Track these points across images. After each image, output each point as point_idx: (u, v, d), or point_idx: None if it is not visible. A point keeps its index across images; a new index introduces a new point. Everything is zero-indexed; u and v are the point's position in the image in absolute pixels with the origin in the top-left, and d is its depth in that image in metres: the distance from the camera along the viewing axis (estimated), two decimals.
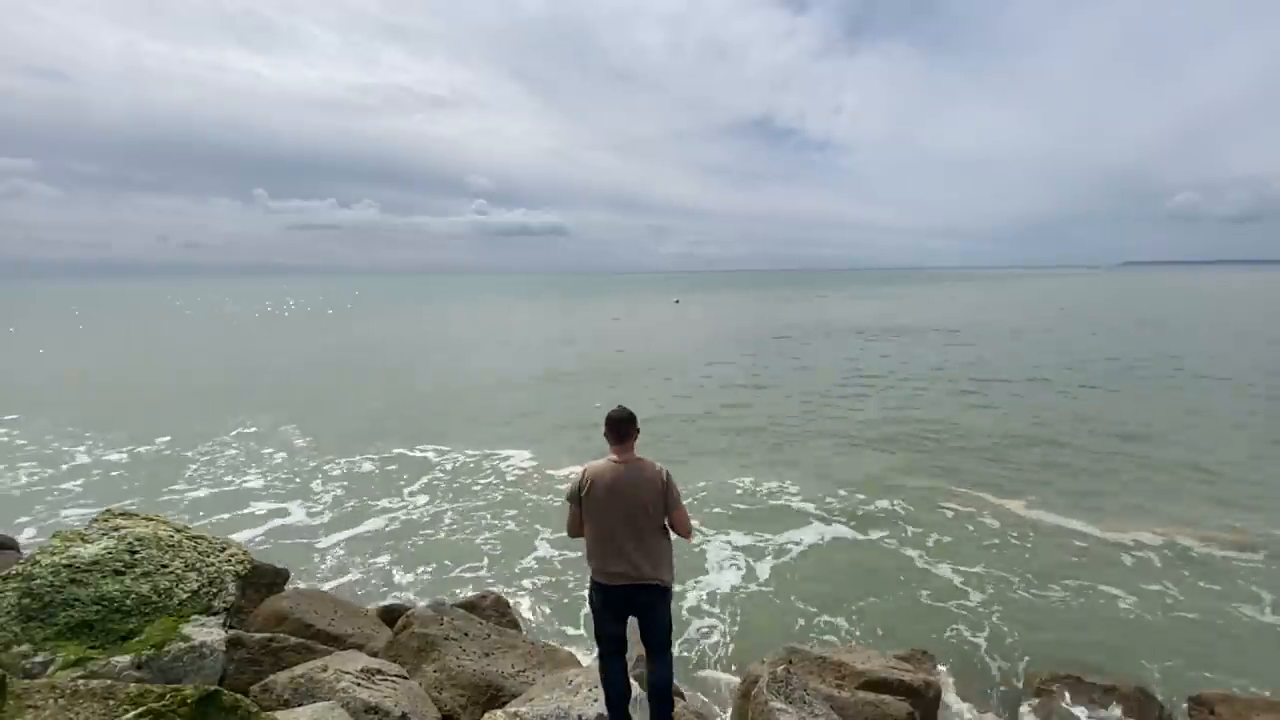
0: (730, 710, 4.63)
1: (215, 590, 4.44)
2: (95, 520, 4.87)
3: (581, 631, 6.89)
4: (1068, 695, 5.09)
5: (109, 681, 3.05)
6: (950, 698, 5.57)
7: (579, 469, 3.67)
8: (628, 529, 3.49)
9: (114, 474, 12.26)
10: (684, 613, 7.03)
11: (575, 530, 3.70)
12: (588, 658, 6.26)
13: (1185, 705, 5.22)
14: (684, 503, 3.68)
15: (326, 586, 7.71)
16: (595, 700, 4.01)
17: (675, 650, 6.32)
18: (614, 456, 3.61)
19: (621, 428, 3.61)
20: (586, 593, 3.76)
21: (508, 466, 12.68)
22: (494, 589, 7.36)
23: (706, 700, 5.51)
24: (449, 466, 12.65)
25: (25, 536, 8.87)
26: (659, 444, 13.78)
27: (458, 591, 7.64)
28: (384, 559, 8.61)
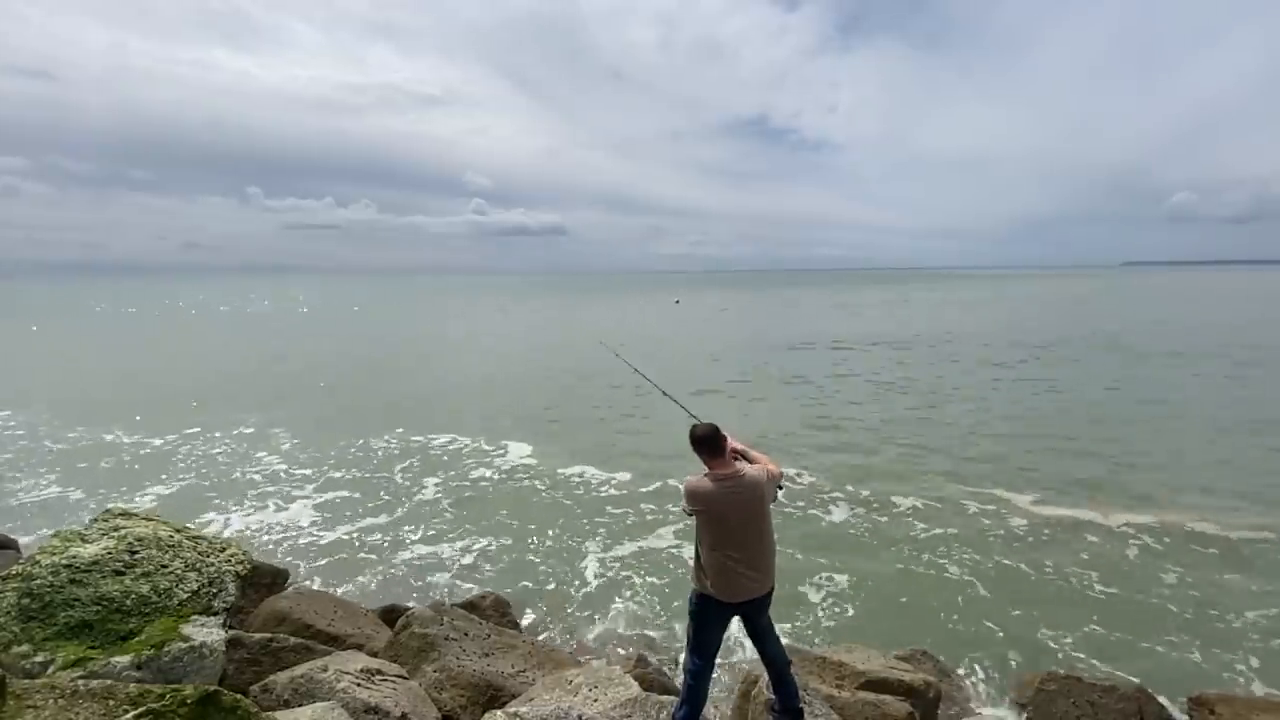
0: (730, 710, 4.63)
1: (215, 590, 4.44)
2: (95, 520, 4.87)
3: (585, 631, 6.90)
4: (1068, 695, 5.09)
5: (109, 681, 3.05)
6: (950, 698, 5.57)
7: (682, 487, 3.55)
8: (742, 547, 3.49)
9: (111, 473, 12.25)
10: (682, 613, 7.04)
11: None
12: (589, 658, 6.27)
13: (1185, 705, 5.22)
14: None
15: (326, 586, 7.72)
16: (595, 700, 4.01)
17: (677, 651, 6.33)
18: (714, 472, 3.52)
19: (712, 442, 3.54)
20: (691, 610, 3.69)
21: (511, 463, 12.69)
22: (494, 589, 7.37)
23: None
24: (449, 464, 12.65)
25: (25, 536, 8.87)
26: (652, 436, 13.79)
27: (458, 591, 7.64)
28: (384, 558, 8.61)
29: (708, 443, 3.56)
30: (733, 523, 3.45)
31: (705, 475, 3.54)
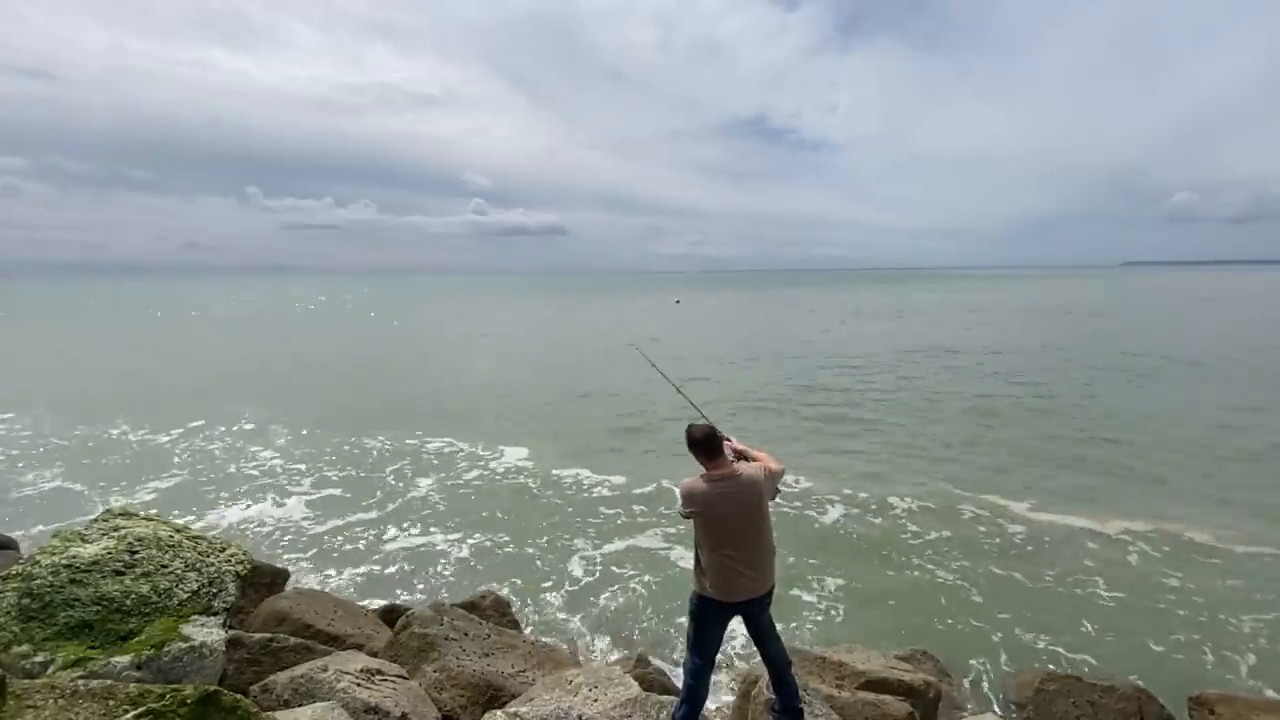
0: (730, 710, 4.63)
1: (215, 590, 4.44)
2: (95, 520, 4.87)
3: (585, 631, 6.90)
4: (1068, 695, 5.09)
5: (109, 681, 3.05)
6: (950, 698, 5.57)
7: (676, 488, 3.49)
8: (740, 547, 3.48)
9: (112, 473, 12.24)
10: (682, 613, 7.05)
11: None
12: (589, 658, 6.27)
13: (1185, 705, 5.22)
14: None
15: (326, 587, 7.72)
16: (595, 700, 4.01)
17: (676, 651, 6.34)
18: (710, 473, 3.51)
19: (708, 444, 3.52)
20: (691, 610, 3.67)
21: (509, 464, 12.69)
22: (494, 589, 7.37)
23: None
24: (449, 465, 12.65)
25: (25, 536, 8.87)
26: (651, 436, 13.80)
27: (458, 591, 7.64)
28: (384, 558, 8.61)
29: (704, 444, 3.55)
30: (731, 523, 3.44)
31: (701, 476, 3.53)
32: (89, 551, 4.32)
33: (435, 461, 12.98)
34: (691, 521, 3.55)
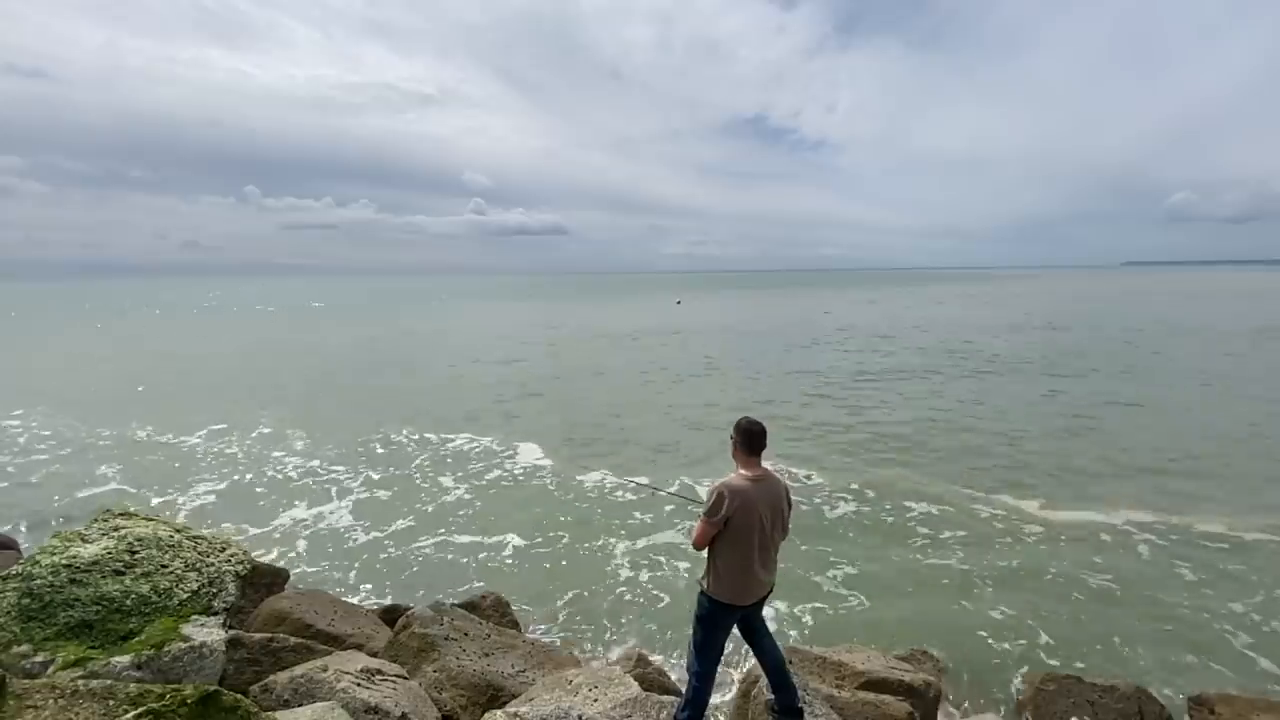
0: (730, 710, 4.63)
1: (215, 590, 4.44)
2: (95, 520, 4.87)
3: (585, 631, 6.90)
4: (1068, 695, 5.09)
5: (109, 681, 3.05)
6: (950, 697, 5.57)
7: (714, 484, 3.44)
8: (764, 549, 3.46)
9: (113, 473, 12.24)
10: (683, 612, 7.05)
11: (704, 546, 3.54)
12: (589, 658, 6.27)
13: (1185, 705, 5.22)
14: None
15: (326, 586, 7.72)
16: (595, 700, 4.01)
17: (677, 651, 6.34)
18: (749, 472, 3.46)
19: (760, 440, 3.50)
20: (700, 614, 3.58)
21: (511, 465, 12.69)
22: (494, 589, 7.36)
23: None
24: (453, 465, 12.64)
25: (25, 536, 8.88)
26: (657, 437, 13.79)
27: (458, 591, 7.64)
28: (385, 559, 8.61)
29: (760, 437, 3.51)
30: (765, 525, 3.42)
31: (742, 475, 3.45)
32: (89, 551, 4.32)
33: (441, 461, 12.95)
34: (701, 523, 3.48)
